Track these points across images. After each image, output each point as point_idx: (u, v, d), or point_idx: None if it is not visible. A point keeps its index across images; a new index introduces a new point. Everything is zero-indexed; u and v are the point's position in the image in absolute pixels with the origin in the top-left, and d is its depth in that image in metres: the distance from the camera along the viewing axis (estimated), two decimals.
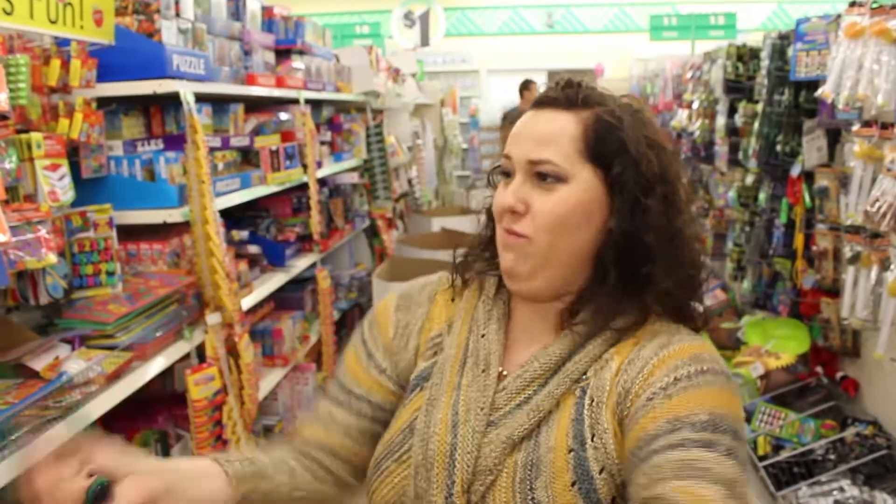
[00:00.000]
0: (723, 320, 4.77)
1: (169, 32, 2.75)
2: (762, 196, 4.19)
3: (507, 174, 1.15)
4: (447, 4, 11.44)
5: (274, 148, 3.44)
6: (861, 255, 2.89)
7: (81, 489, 0.99)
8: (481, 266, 1.25)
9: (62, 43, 2.44)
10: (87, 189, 2.57)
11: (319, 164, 4.11)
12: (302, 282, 3.89)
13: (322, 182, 4.22)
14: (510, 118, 8.61)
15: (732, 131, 4.76)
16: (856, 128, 2.89)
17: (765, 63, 4.07)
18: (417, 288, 1.31)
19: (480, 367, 1.14)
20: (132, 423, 2.72)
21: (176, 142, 2.83)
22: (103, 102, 2.67)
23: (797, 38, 3.55)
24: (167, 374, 2.74)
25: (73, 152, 2.47)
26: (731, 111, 4.79)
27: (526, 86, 9.44)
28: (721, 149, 4.98)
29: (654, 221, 1.09)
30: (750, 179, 4.44)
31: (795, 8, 11.56)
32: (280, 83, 3.67)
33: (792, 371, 3.70)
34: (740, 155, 4.50)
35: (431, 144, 7.90)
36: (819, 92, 3.09)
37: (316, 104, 4.43)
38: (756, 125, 4.12)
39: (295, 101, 3.91)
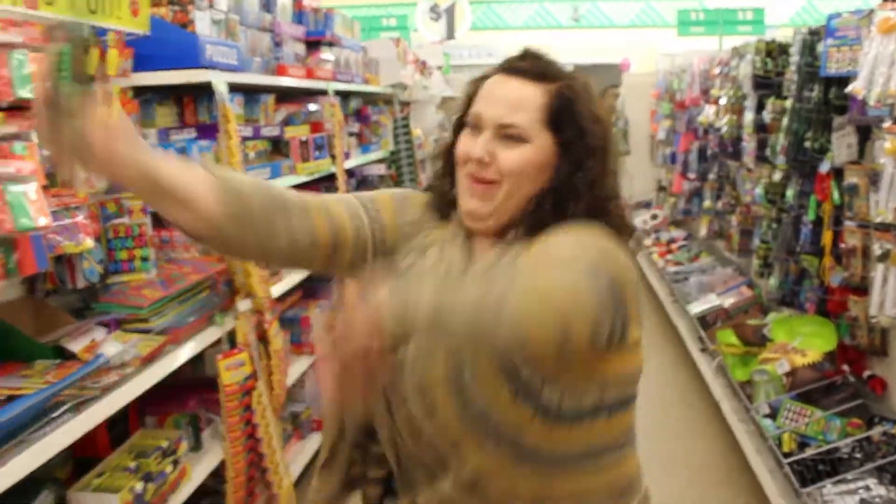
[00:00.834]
0: (748, 317, 4.76)
1: (202, 23, 2.79)
2: (790, 193, 4.17)
3: (474, 126, 1.33)
4: None
5: (304, 138, 3.48)
6: (890, 253, 2.88)
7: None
8: (449, 200, 1.42)
9: (100, 33, 2.48)
10: None
11: (347, 155, 4.15)
12: None
13: (350, 173, 4.26)
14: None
15: (760, 127, 4.73)
16: (887, 125, 2.87)
17: (794, 59, 4.04)
18: (411, 193, 1.50)
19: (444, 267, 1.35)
20: (164, 406, 2.78)
21: (208, 131, 2.88)
22: (138, 92, 2.72)
23: (828, 33, 3.52)
24: (197, 359, 2.78)
25: None
26: (759, 107, 4.77)
27: None
28: (748, 145, 4.96)
29: (589, 180, 1.32)
30: (777, 176, 4.42)
31: (825, 3, 11.43)
32: (310, 74, 3.70)
33: (818, 368, 3.68)
34: (768, 151, 4.47)
35: None
36: (850, 88, 3.07)
37: (344, 96, 4.47)
38: (785, 121, 4.10)
39: (324, 93, 3.95)
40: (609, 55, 12.30)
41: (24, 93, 1.94)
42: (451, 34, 10.40)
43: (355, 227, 1.38)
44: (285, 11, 3.69)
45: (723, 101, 5.73)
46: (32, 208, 1.93)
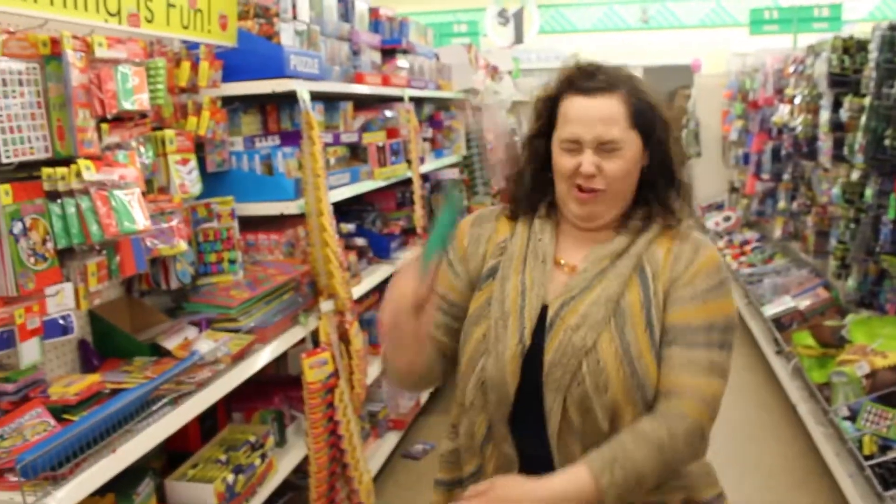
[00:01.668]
0: (824, 319, 4.68)
1: (287, 34, 2.90)
2: (869, 192, 4.09)
3: (572, 148, 1.49)
4: (541, 2, 11.41)
5: (380, 144, 3.57)
6: None
7: None
8: (532, 200, 1.61)
9: (191, 46, 2.61)
10: (211, 182, 2.74)
11: (422, 160, 4.23)
12: None
13: (424, 177, 4.34)
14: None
15: (836, 126, 4.65)
16: None
17: (873, 55, 3.97)
18: (486, 212, 1.70)
19: (539, 258, 1.55)
20: (250, 403, 2.89)
21: (291, 138, 2.99)
22: (225, 101, 2.84)
23: None
24: (280, 358, 2.89)
25: (198, 148, 2.65)
26: (836, 106, 4.69)
27: None
28: (825, 144, 4.87)
29: (671, 158, 1.53)
30: (855, 175, 4.34)
31: None
32: (386, 81, 3.80)
33: None
34: (845, 150, 4.40)
35: None
36: None
37: (418, 101, 4.56)
38: (863, 119, 4.03)
39: (399, 99, 4.04)
40: (679, 56, 12.15)
41: (128, 105, 2.07)
42: (519, 38, 10.41)
43: (448, 333, 1.60)
44: (363, 20, 3.80)
45: (797, 101, 5.64)
46: (134, 213, 2.06)
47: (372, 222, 3.89)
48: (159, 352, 2.36)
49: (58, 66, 1.94)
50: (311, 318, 2.82)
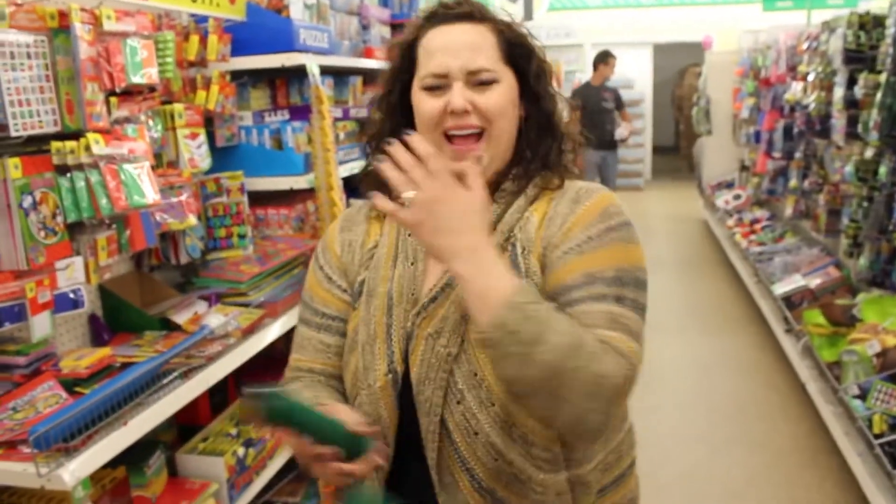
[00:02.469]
0: (835, 297, 4.66)
1: (296, 8, 2.88)
2: (882, 170, 4.06)
3: (435, 86, 1.27)
4: None
5: None
6: None
7: None
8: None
9: (200, 20, 2.59)
10: (221, 157, 2.73)
11: None
12: None
13: None
14: (580, 94, 8.38)
15: (850, 103, 4.61)
16: None
17: (890, 31, 3.93)
18: (355, 210, 1.49)
19: (409, 260, 1.33)
20: (259, 378, 2.89)
21: (300, 112, 2.97)
22: (234, 76, 2.82)
23: None
24: (290, 332, 2.88)
25: (207, 123, 2.64)
26: (850, 83, 4.65)
27: (604, 58, 8.56)
28: (838, 122, 4.83)
29: (550, 105, 1.34)
30: (869, 153, 4.31)
31: None
32: None
33: None
34: (859, 128, 4.36)
35: None
36: None
37: None
38: (878, 96, 3.99)
39: None
40: (690, 33, 12.08)
41: (137, 78, 2.06)
42: (528, 15, 10.34)
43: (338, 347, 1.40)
44: None
45: (811, 78, 5.59)
46: (143, 186, 2.05)
47: None
48: (169, 326, 2.36)
49: (66, 39, 1.93)
50: None
